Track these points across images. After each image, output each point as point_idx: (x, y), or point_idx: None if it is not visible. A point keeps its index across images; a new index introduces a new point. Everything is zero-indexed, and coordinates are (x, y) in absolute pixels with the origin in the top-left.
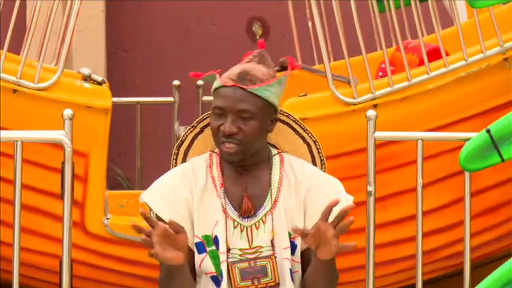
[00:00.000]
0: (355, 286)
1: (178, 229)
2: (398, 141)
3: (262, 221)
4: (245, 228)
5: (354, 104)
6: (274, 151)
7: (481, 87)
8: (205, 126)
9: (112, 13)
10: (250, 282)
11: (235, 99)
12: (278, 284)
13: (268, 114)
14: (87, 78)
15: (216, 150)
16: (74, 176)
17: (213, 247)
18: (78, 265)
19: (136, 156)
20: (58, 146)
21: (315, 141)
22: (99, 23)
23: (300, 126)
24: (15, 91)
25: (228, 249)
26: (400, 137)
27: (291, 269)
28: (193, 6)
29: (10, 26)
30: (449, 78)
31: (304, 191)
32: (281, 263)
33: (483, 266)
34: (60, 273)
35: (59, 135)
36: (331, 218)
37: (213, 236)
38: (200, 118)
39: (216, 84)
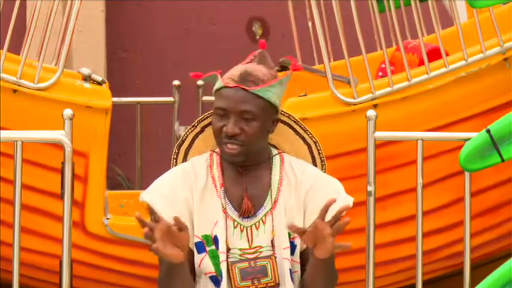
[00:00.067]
0: (355, 286)
1: (182, 227)
2: (398, 141)
3: (262, 221)
4: (245, 228)
5: (354, 104)
6: (274, 151)
7: (481, 87)
8: (206, 126)
9: (112, 13)
10: (250, 282)
11: (237, 101)
12: (278, 284)
13: (270, 114)
14: (87, 78)
15: (217, 149)
16: (74, 176)
17: (213, 247)
18: (78, 265)
19: (136, 156)
20: (58, 146)
21: (315, 142)
22: (99, 23)
23: (300, 126)
24: (15, 91)
25: (228, 249)
26: (400, 137)
27: (290, 269)
28: (193, 6)
29: (10, 26)
30: (449, 78)
31: (304, 191)
32: (281, 263)
33: (483, 266)
34: (60, 273)
35: (59, 135)
36: (329, 218)
37: (213, 236)
38: (201, 118)
39: (217, 85)
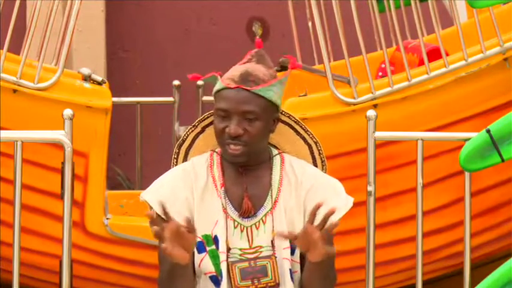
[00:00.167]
0: (355, 286)
1: (191, 229)
2: (398, 141)
3: (263, 221)
4: (245, 228)
5: (354, 104)
6: (275, 151)
7: (481, 87)
8: (207, 126)
9: (112, 13)
10: (250, 282)
11: (239, 101)
12: (278, 284)
13: (272, 114)
14: (87, 78)
15: (217, 149)
16: (74, 176)
17: (213, 247)
18: (78, 265)
19: (136, 156)
20: (58, 146)
21: (315, 142)
22: (99, 23)
23: (301, 127)
24: (15, 91)
25: (228, 249)
26: (400, 137)
27: (290, 269)
28: (193, 6)
29: (10, 26)
30: (449, 78)
31: (304, 191)
32: (281, 263)
33: (483, 266)
34: (60, 273)
35: (59, 135)
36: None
37: (213, 236)
38: (201, 117)
39: (218, 86)
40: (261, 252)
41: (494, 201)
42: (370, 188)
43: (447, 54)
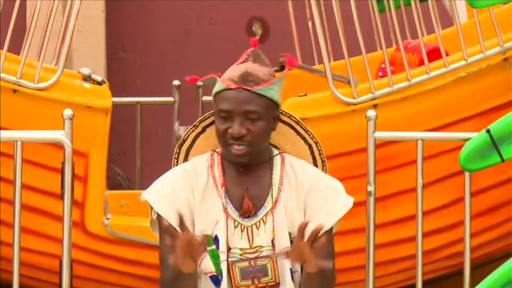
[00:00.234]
0: (355, 286)
1: (203, 244)
2: (398, 141)
3: (263, 221)
4: (245, 228)
5: (354, 104)
6: (275, 151)
7: (481, 87)
8: (208, 126)
9: (112, 13)
10: (250, 282)
11: (241, 101)
12: (278, 284)
13: (273, 112)
14: (87, 78)
15: (218, 149)
16: (74, 176)
17: (213, 246)
18: (78, 265)
19: (136, 156)
20: (58, 146)
21: (316, 143)
22: (99, 23)
23: (301, 127)
24: (15, 91)
25: (229, 249)
26: (400, 137)
27: (291, 269)
28: (193, 6)
29: (10, 26)
30: (449, 78)
31: (305, 191)
32: (281, 263)
33: (483, 266)
34: (60, 273)
35: (59, 135)
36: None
37: (214, 236)
38: (202, 117)
39: (217, 87)
40: (261, 252)
41: (494, 201)
42: (370, 188)
43: (447, 54)
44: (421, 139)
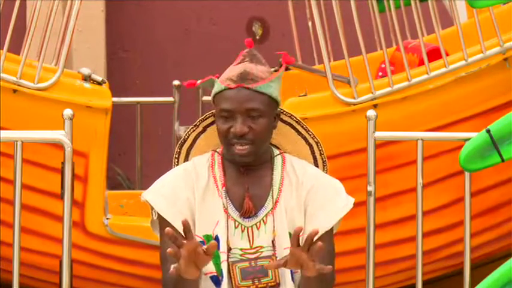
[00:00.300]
0: (355, 286)
1: (211, 251)
2: (398, 141)
3: (263, 221)
4: (246, 228)
5: (354, 104)
6: (276, 151)
7: (481, 87)
8: (208, 125)
9: (112, 13)
10: (250, 282)
11: (242, 100)
12: (278, 284)
13: (273, 110)
14: (87, 78)
15: (219, 149)
16: (74, 176)
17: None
18: (78, 265)
19: (136, 156)
20: (58, 146)
21: (317, 143)
22: (99, 23)
23: (302, 127)
24: (15, 91)
25: (229, 249)
26: (400, 137)
27: (291, 269)
28: (193, 6)
29: (10, 26)
30: (449, 78)
31: (305, 191)
32: None
33: (483, 266)
34: (60, 273)
35: (59, 135)
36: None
37: (214, 236)
38: (203, 117)
39: (217, 88)
40: (261, 252)
41: (494, 201)
42: (370, 188)
43: (447, 54)
44: (421, 139)
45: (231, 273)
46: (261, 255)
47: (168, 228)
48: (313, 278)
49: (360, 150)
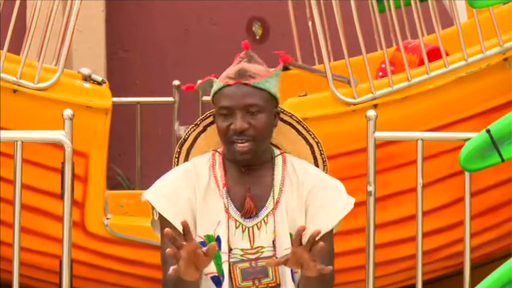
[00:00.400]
0: (355, 286)
1: (211, 253)
2: (398, 141)
3: (264, 221)
4: (247, 228)
5: (354, 104)
6: (277, 151)
7: (481, 87)
8: (209, 125)
9: (112, 13)
10: (251, 283)
11: (241, 96)
12: (279, 285)
13: (273, 106)
14: (87, 78)
15: (219, 149)
16: (74, 176)
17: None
18: (78, 265)
19: (136, 156)
20: (58, 146)
21: (317, 143)
22: (99, 23)
23: (303, 126)
24: (15, 91)
25: (230, 249)
26: (400, 137)
27: (291, 269)
28: (193, 6)
29: (10, 26)
30: (449, 78)
31: (306, 192)
32: None
33: (483, 266)
34: (60, 273)
35: (59, 135)
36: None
37: (215, 236)
38: (203, 116)
39: (216, 86)
40: (262, 252)
41: (494, 201)
42: (370, 188)
43: (447, 54)
44: (421, 139)
45: (232, 274)
46: (262, 256)
47: (167, 229)
48: (313, 278)
49: (360, 150)
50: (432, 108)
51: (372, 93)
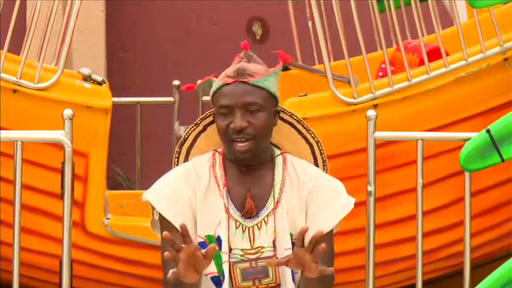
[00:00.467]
0: (355, 286)
1: (210, 255)
2: (398, 141)
3: (264, 221)
4: (247, 228)
5: (354, 104)
6: (277, 152)
7: (481, 87)
8: (208, 124)
9: (112, 13)
10: (251, 283)
11: (240, 94)
12: (279, 285)
13: (272, 105)
14: (87, 78)
15: (219, 149)
16: (74, 176)
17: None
18: (78, 265)
19: (136, 156)
20: (58, 146)
21: (317, 142)
22: (99, 23)
23: (302, 126)
24: (15, 91)
25: (230, 250)
26: (400, 137)
27: (292, 270)
28: (193, 6)
29: (10, 26)
30: (449, 78)
31: (306, 192)
32: None
33: (483, 266)
34: (60, 273)
35: (59, 135)
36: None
37: (216, 236)
38: (203, 115)
39: (215, 85)
40: (262, 252)
41: (494, 201)
42: (370, 188)
43: (447, 54)
44: (421, 139)
45: (232, 274)
46: (262, 256)
47: (165, 233)
48: (314, 279)
49: (360, 150)
50: (432, 108)
51: (372, 93)
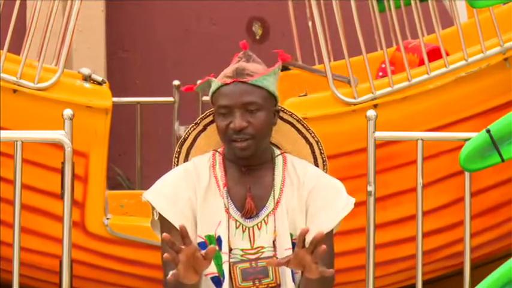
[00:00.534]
0: (355, 286)
1: (210, 256)
2: (398, 141)
3: (264, 221)
4: (247, 228)
5: (354, 104)
6: (277, 151)
7: (481, 87)
8: (208, 124)
9: (112, 13)
10: (251, 283)
11: (239, 94)
12: (279, 285)
13: (271, 105)
14: (87, 78)
15: (220, 149)
16: (74, 176)
17: (216, 247)
18: (78, 265)
19: (136, 156)
20: (58, 146)
21: (317, 142)
22: (99, 23)
23: (302, 125)
24: (15, 91)
25: (230, 250)
26: (400, 137)
27: (292, 270)
28: (193, 6)
29: (10, 26)
30: (449, 78)
31: (306, 192)
32: None
33: (483, 266)
34: (60, 273)
35: (59, 135)
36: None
37: (216, 236)
38: (203, 115)
39: (214, 85)
40: (262, 252)
41: (494, 201)
42: (370, 188)
43: (447, 54)
44: (421, 139)
45: (232, 274)
46: (262, 256)
47: (165, 234)
48: (314, 279)
49: (360, 150)
50: (432, 108)
51: (372, 93)
